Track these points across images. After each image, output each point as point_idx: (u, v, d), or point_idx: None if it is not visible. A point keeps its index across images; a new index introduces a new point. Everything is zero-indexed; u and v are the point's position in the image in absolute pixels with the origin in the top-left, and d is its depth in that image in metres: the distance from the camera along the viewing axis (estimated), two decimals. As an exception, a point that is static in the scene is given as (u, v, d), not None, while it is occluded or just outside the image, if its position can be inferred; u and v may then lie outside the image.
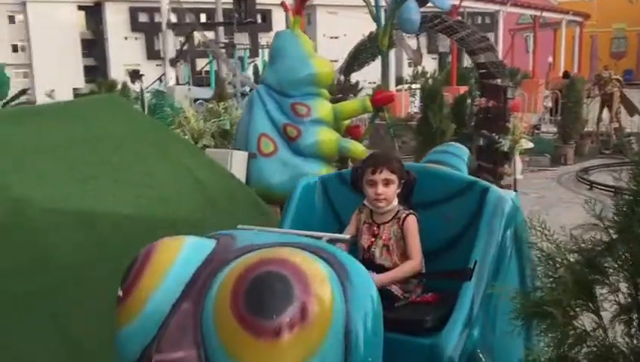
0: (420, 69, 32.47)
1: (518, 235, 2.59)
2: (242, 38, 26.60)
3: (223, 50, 23.31)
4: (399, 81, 28.90)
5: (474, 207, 2.66)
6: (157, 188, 3.92)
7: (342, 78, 11.47)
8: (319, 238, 2.30)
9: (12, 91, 11.28)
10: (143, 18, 53.67)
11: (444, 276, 2.63)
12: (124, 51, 52.16)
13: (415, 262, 2.61)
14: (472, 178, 2.89)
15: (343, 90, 10.96)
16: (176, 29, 24.26)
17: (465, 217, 2.71)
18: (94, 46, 55.42)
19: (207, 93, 19.97)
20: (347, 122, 6.92)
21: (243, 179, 5.88)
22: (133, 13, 54.01)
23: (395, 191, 2.68)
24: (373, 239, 2.70)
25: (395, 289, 2.59)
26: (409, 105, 19.84)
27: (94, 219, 3.43)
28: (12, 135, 3.61)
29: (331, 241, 2.31)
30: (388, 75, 7.87)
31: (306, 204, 3.05)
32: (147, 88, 18.11)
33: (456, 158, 3.47)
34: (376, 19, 7.39)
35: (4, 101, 10.35)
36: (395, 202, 2.70)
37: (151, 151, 4.13)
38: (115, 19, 53.37)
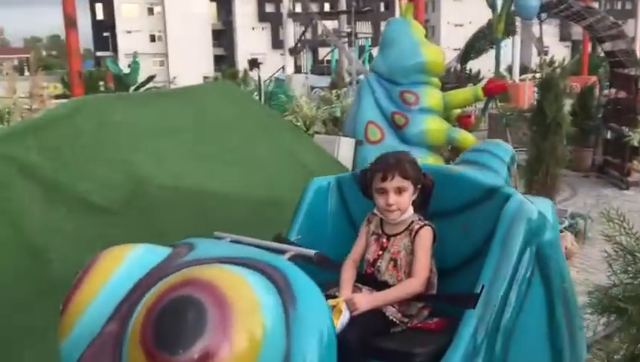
0: (547, 57, 30.84)
1: (543, 256, 2.14)
2: (364, 27, 26.65)
3: (345, 39, 23.56)
4: (524, 70, 27.66)
5: (495, 217, 2.21)
6: (263, 171, 4.12)
7: (458, 66, 11.22)
8: (284, 252, 2.02)
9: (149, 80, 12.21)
10: (269, 8, 55.46)
11: (445, 300, 2.28)
12: (250, 41, 54.27)
13: (416, 280, 2.22)
14: (495, 183, 2.44)
15: (458, 79, 10.73)
16: (298, 18, 24.82)
17: (484, 230, 2.24)
18: (224, 36, 58.15)
19: (324, 81, 20.31)
20: (458, 111, 6.81)
21: (349, 166, 5.99)
22: (261, 3, 55.95)
23: (410, 199, 2.32)
24: (380, 252, 2.34)
25: (391, 313, 2.21)
26: (532, 95, 18.96)
27: (205, 198, 3.67)
28: (137, 117, 3.94)
29: (296, 257, 2.01)
30: (501, 63, 7.56)
31: (317, 207, 2.73)
32: (270, 76, 18.75)
33: (493, 158, 2.91)
34: (492, 5, 7.17)
35: (135, 86, 11.24)
36: (410, 211, 2.34)
37: (259, 135, 4.34)
38: (244, 10, 55.59)
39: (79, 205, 3.25)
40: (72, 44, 9.49)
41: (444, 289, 2.34)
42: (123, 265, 1.81)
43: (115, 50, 53.29)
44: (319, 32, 30.67)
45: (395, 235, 2.33)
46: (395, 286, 2.25)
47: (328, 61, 32.31)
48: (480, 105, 7.73)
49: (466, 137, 6.26)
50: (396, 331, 2.21)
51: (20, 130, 3.45)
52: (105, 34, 56.50)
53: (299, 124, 7.72)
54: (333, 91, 9.51)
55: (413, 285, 2.21)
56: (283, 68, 23.58)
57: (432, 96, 6.26)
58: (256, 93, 10.68)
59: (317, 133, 7.76)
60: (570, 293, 2.25)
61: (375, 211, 2.40)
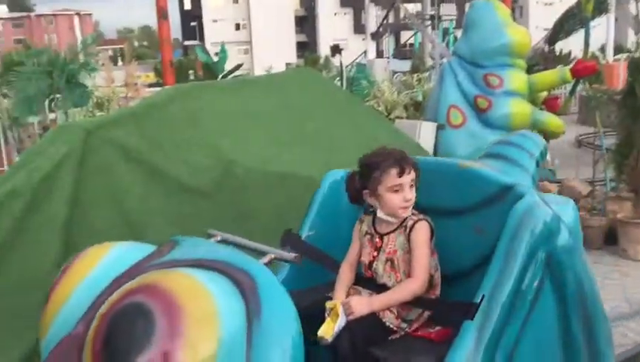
0: (646, 36, 28.90)
1: (556, 264, 1.95)
2: (449, 9, 26.08)
3: (428, 22, 23.19)
4: (619, 50, 26.14)
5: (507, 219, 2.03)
6: (344, 155, 4.22)
7: (546, 47, 10.85)
8: (264, 254, 1.93)
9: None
10: (351, -7, 55.26)
11: (441, 308, 2.11)
12: (332, 26, 54.35)
13: (415, 281, 2.05)
14: (510, 180, 2.21)
15: (546, 60, 10.37)
16: (380, 2, 24.64)
17: (497, 232, 2.04)
18: (306, 22, 58.56)
19: (405, 65, 20.13)
20: (544, 94, 6.63)
21: (431, 151, 6.01)
22: (343, -12, 55.78)
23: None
24: (375, 253, 2.18)
25: (389, 319, 2.07)
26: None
27: (289, 181, 3.82)
28: (225, 103, 4.15)
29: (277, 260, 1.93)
30: (594, 43, 7.26)
31: (332, 201, 2.58)
32: (352, 62, 18.80)
33: (520, 152, 2.63)
34: (580, -17, 6.91)
35: (223, 74, 11.66)
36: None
37: (341, 120, 4.44)
38: (326, -5, 55.65)
39: (174, 187, 3.49)
40: (163, 34, 9.96)
41: (452, 296, 2.17)
42: (101, 264, 1.78)
43: (201, 39, 54.99)
44: (401, 15, 30.30)
45: (388, 233, 2.17)
46: (393, 288, 2.09)
47: (411, 45, 31.92)
48: (570, 87, 7.46)
49: (552, 120, 6.11)
50: (394, 338, 2.06)
51: (122, 116, 3.73)
52: (192, 23, 58.39)
53: (380, 109, 7.77)
54: (415, 75, 9.46)
55: (411, 287, 2.05)
56: (365, 53, 23.55)
57: (517, 78, 6.14)
58: (337, 79, 10.81)
59: (398, 117, 7.78)
60: (592, 305, 2.05)
61: (365, 213, 2.28)
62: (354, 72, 13.44)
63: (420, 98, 8.49)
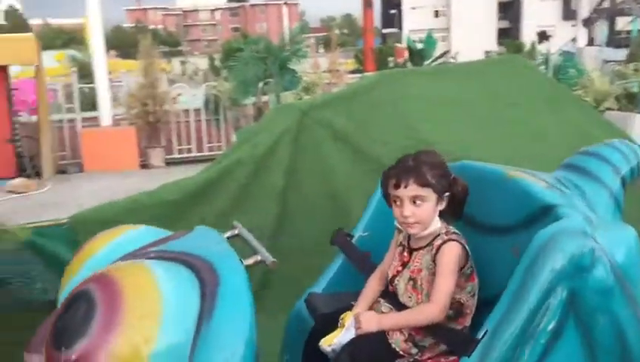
0: None
1: (583, 306, 1.68)
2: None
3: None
4: None
5: None
6: (549, 146, 4.12)
7: None
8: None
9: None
10: (562, -23, 51.58)
11: (438, 338, 1.89)
12: (538, 12, 51.29)
13: (433, 307, 1.84)
14: (553, 198, 1.93)
15: None
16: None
17: None
18: (509, 8, 55.95)
19: (619, 54, 18.39)
20: None
21: (645, 145, 5.54)
22: (551, -28, 52.30)
23: (434, 211, 1.93)
24: (400, 268, 2.00)
25: (396, 341, 1.90)
26: None
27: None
28: (426, 89, 4.29)
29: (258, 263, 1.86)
30: None
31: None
32: (558, 49, 17.73)
33: (600, 164, 2.23)
34: None
35: (430, 60, 11.79)
36: (436, 224, 1.95)
37: (545, 108, 4.34)
38: (535, -21, 52.65)
39: (375, 166, 3.74)
40: (368, 22, 10.35)
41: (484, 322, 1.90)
42: (111, 244, 1.86)
43: (400, 26, 55.41)
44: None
45: (417, 250, 1.98)
46: (409, 309, 1.92)
47: (627, 32, 28.98)
48: None
49: None
50: None
51: (332, 99, 4.07)
52: (392, 11, 59.03)
53: (588, 99, 7.32)
54: (631, 65, 8.69)
55: (427, 311, 1.85)
56: (574, 40, 21.96)
57: None
58: (543, 67, 10.33)
59: (609, 109, 7.26)
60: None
61: None
62: (561, 60, 12.71)
63: (635, 89, 7.80)
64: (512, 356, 1.64)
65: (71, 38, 47.76)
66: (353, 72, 15.51)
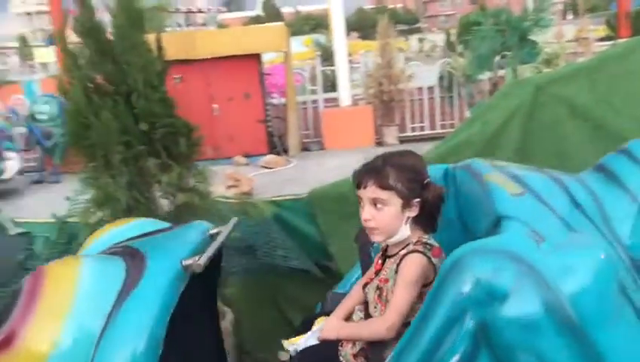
0: None
1: (500, 340, 1.35)
2: None
3: None
4: None
5: None
6: None
7: None
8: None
9: None
10: None
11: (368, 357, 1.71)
12: None
13: (381, 323, 1.68)
14: (504, 210, 1.60)
15: None
16: None
17: None
18: None
19: None
20: None
21: None
22: None
23: (398, 217, 1.73)
24: (373, 276, 1.85)
25: (345, 353, 1.78)
26: None
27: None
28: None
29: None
30: None
31: None
32: None
33: (630, 164, 1.72)
34: None
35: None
36: (406, 232, 1.75)
37: None
38: None
39: (619, 142, 3.36)
40: (623, -17, 9.22)
41: None
42: (106, 235, 1.98)
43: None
44: None
45: (390, 257, 1.80)
46: (364, 321, 1.81)
47: None
48: None
49: None
50: None
51: (573, 71, 3.73)
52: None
53: None
54: None
55: (374, 327, 1.71)
56: None
57: None
58: None
59: None
60: None
61: None
62: None
63: None
64: None
65: (318, 24, 50.95)
66: (603, 39, 14.02)
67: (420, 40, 39.89)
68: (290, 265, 3.51)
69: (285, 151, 10.26)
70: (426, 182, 1.77)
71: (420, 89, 10.96)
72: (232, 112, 10.00)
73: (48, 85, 11.48)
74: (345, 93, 11.01)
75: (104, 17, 3.12)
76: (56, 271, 1.72)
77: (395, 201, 1.74)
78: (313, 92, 11.49)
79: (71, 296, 1.60)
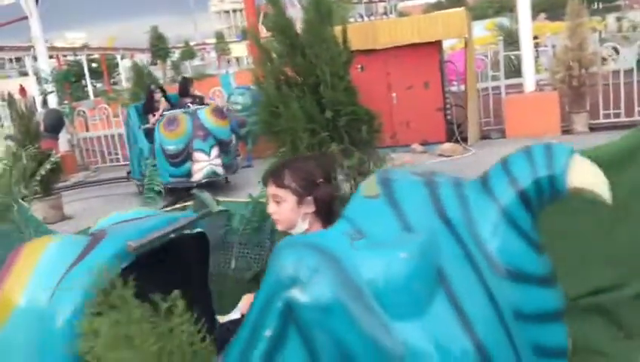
0: None
1: (301, 320, 1.60)
2: None
3: None
4: None
5: None
6: None
7: None
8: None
9: None
10: None
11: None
12: None
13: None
14: (346, 212, 1.89)
15: None
16: None
17: None
18: None
19: None
20: None
21: None
22: None
23: (294, 211, 2.08)
24: None
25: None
26: None
27: None
28: None
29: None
30: None
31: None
32: None
33: (500, 171, 1.81)
34: None
35: None
36: (302, 225, 2.09)
37: None
38: None
39: None
40: None
41: None
42: (111, 217, 2.36)
43: None
44: None
45: None
46: None
47: None
48: None
49: None
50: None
51: None
52: None
53: None
54: None
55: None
56: None
57: None
58: None
59: None
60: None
61: None
62: None
63: None
64: (241, 359, 1.74)
65: (502, 6, 48.79)
66: None
67: (618, 19, 36.34)
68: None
69: (464, 139, 10.09)
70: (318, 182, 2.09)
71: (616, 72, 10.07)
72: (410, 100, 10.07)
73: (242, 78, 12.49)
74: (530, 79, 10.50)
75: (291, 13, 3.39)
76: (29, 247, 2.23)
77: (290, 198, 2.09)
78: (495, 78, 11.11)
79: (34, 265, 2.10)
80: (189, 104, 9.11)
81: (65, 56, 31.30)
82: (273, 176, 2.14)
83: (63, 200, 8.89)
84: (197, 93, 9.94)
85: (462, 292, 1.66)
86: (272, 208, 2.15)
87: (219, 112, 8.85)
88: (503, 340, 1.67)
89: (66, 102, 13.55)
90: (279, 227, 2.16)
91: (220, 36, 52.60)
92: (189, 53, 42.35)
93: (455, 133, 10.15)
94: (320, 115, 3.19)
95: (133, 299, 1.62)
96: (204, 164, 8.37)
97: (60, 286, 1.98)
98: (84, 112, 13.74)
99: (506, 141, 10.03)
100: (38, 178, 5.59)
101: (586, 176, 1.75)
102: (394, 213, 1.80)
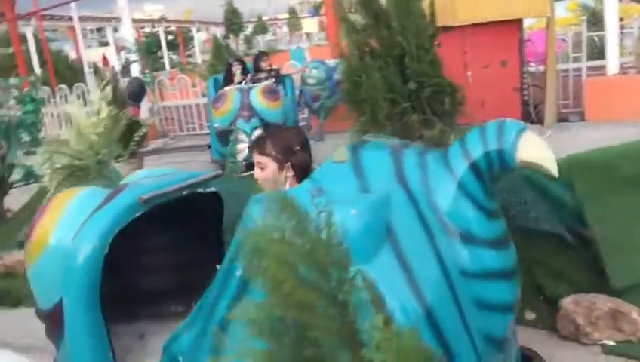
0: None
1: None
2: None
3: None
4: None
5: None
6: None
7: None
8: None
9: None
10: None
11: None
12: None
13: None
14: (315, 174, 2.26)
15: None
16: None
17: None
18: None
19: None
20: None
21: None
22: None
23: (277, 175, 2.42)
24: None
25: None
26: None
27: None
28: None
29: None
30: None
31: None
32: None
33: (457, 143, 2.10)
34: None
35: None
36: (284, 188, 2.36)
37: None
38: None
39: None
40: None
41: None
42: (142, 172, 3.07)
43: None
44: None
45: None
46: None
47: None
48: None
49: None
50: None
51: None
52: None
53: None
54: None
55: None
56: None
57: None
58: None
59: None
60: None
61: None
62: None
63: None
64: (220, 292, 2.04)
65: (585, -14, 46.50)
66: None
67: None
68: (541, 227, 3.54)
69: (540, 120, 9.86)
70: (295, 150, 2.41)
71: None
72: (486, 80, 9.91)
73: (315, 52, 12.60)
74: (613, 61, 10.11)
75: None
76: (59, 197, 2.71)
77: (271, 165, 2.40)
78: (576, 60, 10.75)
79: (61, 212, 2.57)
80: (258, 77, 9.09)
81: (142, 27, 32.29)
82: (257, 146, 2.46)
83: (144, 164, 9.34)
84: (273, 66, 10.05)
85: (408, 247, 1.85)
86: (257, 173, 2.46)
87: (270, 93, 8.30)
88: (445, 292, 1.84)
89: (146, 71, 14.08)
90: (265, 189, 2.41)
91: (292, 11, 52.74)
92: (261, 28, 42.79)
93: (531, 114, 9.94)
94: (402, 86, 3.27)
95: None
96: (244, 145, 7.91)
97: (86, 227, 2.41)
98: (163, 82, 14.26)
99: (585, 124, 9.73)
100: (135, 141, 5.93)
101: (534, 151, 1.90)
102: (355, 176, 2.04)
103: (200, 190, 2.77)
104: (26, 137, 6.36)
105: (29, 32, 21.56)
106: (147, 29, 31.92)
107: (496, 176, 1.99)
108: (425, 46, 3.15)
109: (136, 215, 2.46)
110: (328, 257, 1.40)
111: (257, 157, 2.45)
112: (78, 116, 4.44)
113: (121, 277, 3.15)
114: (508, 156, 1.92)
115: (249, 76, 9.32)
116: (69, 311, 2.35)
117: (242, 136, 8.03)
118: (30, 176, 5.97)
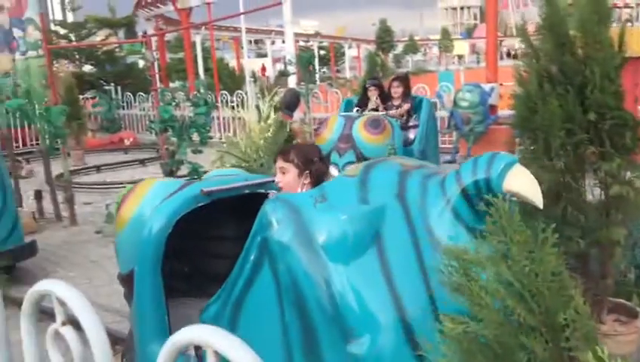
0: None
1: (270, 251, 2.24)
2: None
3: None
4: None
5: None
6: None
7: None
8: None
9: None
10: None
11: None
12: None
13: None
14: (326, 184, 2.52)
15: None
16: None
17: None
18: None
19: None
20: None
21: None
22: None
23: (296, 182, 2.73)
24: None
25: None
26: None
27: None
28: None
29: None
30: None
31: None
32: None
33: (454, 170, 2.30)
34: None
35: None
36: (302, 190, 2.67)
37: None
38: None
39: None
40: None
41: None
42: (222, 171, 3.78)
43: None
44: None
45: None
46: None
47: None
48: None
49: None
50: None
51: None
52: None
53: None
54: None
55: None
56: None
57: None
58: None
59: None
60: (312, 311, 2.09)
61: None
62: None
63: None
64: (238, 274, 2.37)
65: None
66: None
67: None
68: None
69: None
70: (314, 160, 2.77)
71: None
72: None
73: (470, 75, 12.42)
74: None
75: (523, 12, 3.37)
76: (141, 184, 3.18)
77: (292, 170, 2.74)
78: None
79: (143, 195, 3.04)
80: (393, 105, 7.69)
81: (297, 41, 33.75)
82: (282, 153, 2.80)
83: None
84: (412, 93, 8.29)
85: (393, 256, 2.07)
86: (278, 177, 2.78)
87: (374, 125, 6.73)
88: (425, 304, 1.99)
89: (302, 83, 14.68)
90: (284, 193, 2.73)
91: (444, 32, 52.27)
92: (412, 47, 42.87)
93: None
94: (581, 116, 3.15)
95: (519, 222, 1.75)
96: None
97: (156, 210, 2.91)
98: (317, 94, 14.77)
99: None
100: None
101: (520, 182, 2.09)
102: (359, 190, 2.27)
103: (261, 190, 3.10)
104: (195, 137, 6.91)
105: (198, 40, 23.41)
106: (301, 43, 33.27)
107: (484, 201, 2.09)
108: (610, 76, 3.02)
109: (199, 204, 2.91)
110: (546, 281, 1.41)
111: (280, 163, 2.78)
112: (251, 122, 4.79)
113: (196, 261, 3.62)
114: (495, 184, 2.09)
115: (387, 104, 7.81)
116: (137, 276, 2.85)
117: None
118: (196, 172, 6.47)
